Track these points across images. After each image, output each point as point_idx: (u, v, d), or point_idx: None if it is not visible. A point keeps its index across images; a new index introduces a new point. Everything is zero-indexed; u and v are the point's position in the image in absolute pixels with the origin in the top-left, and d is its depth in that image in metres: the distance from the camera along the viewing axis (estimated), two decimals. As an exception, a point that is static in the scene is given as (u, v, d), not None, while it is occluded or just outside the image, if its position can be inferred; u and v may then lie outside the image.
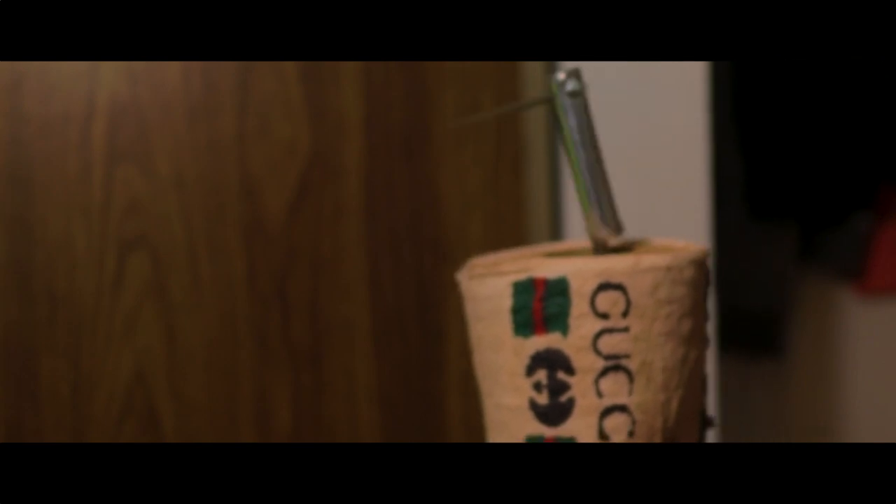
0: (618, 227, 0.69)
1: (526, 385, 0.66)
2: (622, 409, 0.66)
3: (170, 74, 1.18)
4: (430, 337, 1.23)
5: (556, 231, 1.25)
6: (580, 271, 0.65)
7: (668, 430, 0.67)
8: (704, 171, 1.24)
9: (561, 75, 0.68)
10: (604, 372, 0.65)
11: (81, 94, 1.16)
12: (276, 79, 1.19)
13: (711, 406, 1.25)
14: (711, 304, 1.34)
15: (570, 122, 0.69)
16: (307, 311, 1.21)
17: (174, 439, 1.20)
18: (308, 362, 1.21)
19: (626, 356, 0.66)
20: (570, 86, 0.68)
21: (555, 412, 0.66)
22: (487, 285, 0.67)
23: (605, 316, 0.65)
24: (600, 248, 0.70)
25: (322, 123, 1.20)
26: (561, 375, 0.65)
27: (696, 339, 0.68)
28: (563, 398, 0.66)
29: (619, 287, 0.65)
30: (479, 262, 0.68)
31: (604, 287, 0.65)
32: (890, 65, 1.77)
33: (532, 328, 0.66)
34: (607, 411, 0.66)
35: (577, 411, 0.66)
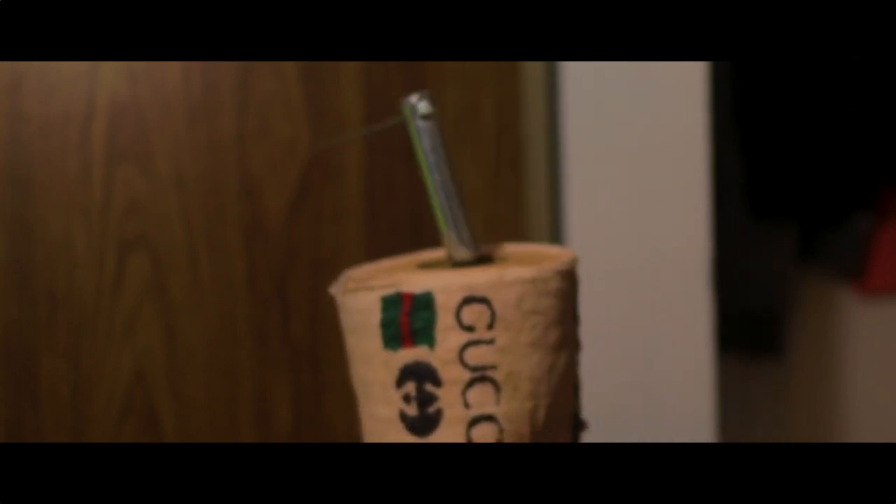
0: (473, 246, 0.71)
1: (396, 397, 0.68)
2: (489, 418, 0.67)
3: (170, 74, 1.18)
4: (430, 337, 1.23)
5: (556, 231, 1.25)
6: (445, 286, 0.66)
7: (537, 435, 0.68)
8: (704, 171, 1.24)
9: (413, 98, 0.70)
10: (470, 383, 0.67)
11: (81, 94, 1.16)
12: (276, 79, 1.19)
13: (711, 406, 1.25)
14: (711, 305, 1.34)
15: (424, 144, 0.70)
16: (307, 311, 1.21)
17: (174, 439, 1.20)
18: (308, 362, 1.21)
19: (493, 367, 0.67)
20: (423, 109, 0.70)
21: (423, 423, 0.67)
22: (358, 299, 0.68)
23: (470, 328, 0.67)
24: (461, 263, 0.71)
25: (322, 123, 1.20)
26: (429, 387, 0.67)
27: (564, 347, 0.69)
28: (432, 409, 0.67)
29: (483, 300, 0.67)
30: (353, 276, 0.70)
31: (468, 300, 0.66)
32: (890, 65, 1.77)
33: (400, 341, 0.67)
34: (474, 421, 0.67)
35: (444, 422, 0.67)
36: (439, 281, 0.66)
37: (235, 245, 1.20)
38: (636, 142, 1.23)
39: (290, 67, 1.19)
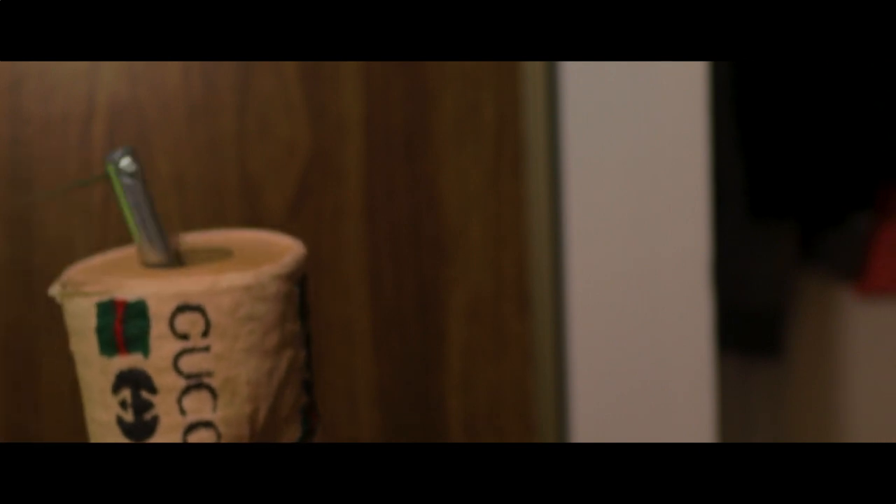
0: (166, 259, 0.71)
1: (113, 402, 0.68)
2: (207, 424, 0.67)
3: (170, 74, 1.18)
4: (430, 337, 1.23)
5: (556, 231, 1.25)
6: (158, 294, 0.66)
7: (259, 436, 0.69)
8: (704, 171, 1.24)
9: (116, 156, 0.70)
10: (186, 390, 0.67)
11: (81, 94, 1.16)
12: (276, 79, 1.19)
13: (711, 406, 1.25)
14: (711, 305, 1.34)
15: (128, 199, 0.70)
16: (307, 311, 1.21)
17: (174, 439, 1.20)
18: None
19: (209, 374, 0.67)
20: (126, 166, 0.70)
21: (140, 429, 0.68)
22: (75, 304, 0.68)
23: (185, 336, 0.66)
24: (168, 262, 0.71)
25: (322, 123, 1.20)
26: (145, 394, 0.67)
27: (286, 348, 0.69)
28: (148, 416, 0.67)
29: (197, 308, 0.66)
30: (72, 277, 0.70)
31: (182, 309, 0.66)
32: (890, 65, 1.77)
33: (115, 348, 0.67)
34: (191, 427, 0.67)
35: (161, 429, 0.67)
36: (152, 288, 0.66)
37: (235, 245, 1.20)
38: (636, 142, 1.23)
39: (290, 67, 1.19)
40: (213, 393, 0.67)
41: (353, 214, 1.21)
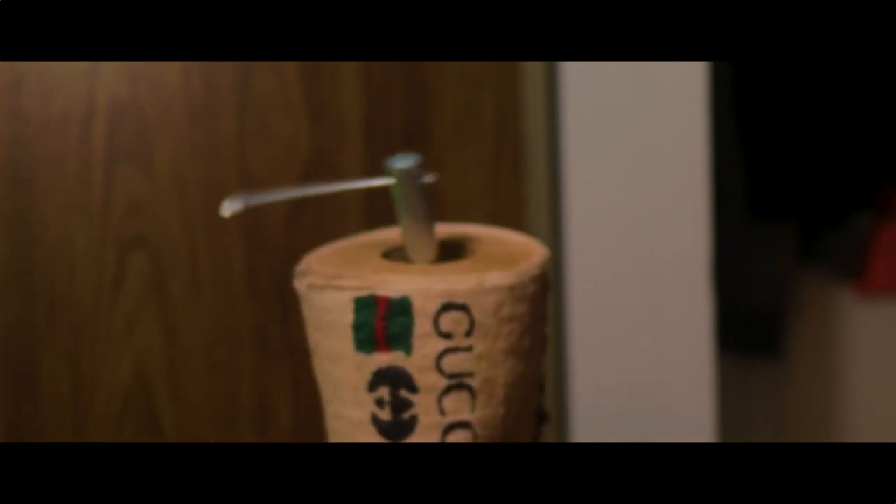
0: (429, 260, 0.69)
1: (368, 400, 0.66)
2: (465, 425, 0.66)
3: (170, 74, 1.18)
4: (430, 337, 1.23)
5: (556, 231, 1.25)
6: (423, 291, 0.64)
7: (506, 437, 0.68)
8: (704, 171, 1.24)
9: (402, 165, 0.68)
10: (447, 390, 0.65)
11: (81, 94, 1.16)
12: (276, 79, 1.19)
13: (711, 406, 1.25)
14: (711, 305, 1.34)
15: (407, 201, 0.68)
16: (307, 311, 1.21)
17: (174, 439, 1.20)
18: (308, 362, 1.21)
19: (470, 374, 0.66)
20: (409, 173, 0.68)
21: (398, 428, 0.66)
22: (326, 298, 0.66)
23: (448, 336, 0.65)
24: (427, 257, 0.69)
25: (322, 123, 1.20)
26: (404, 393, 0.65)
27: (535, 351, 0.68)
28: (406, 415, 0.66)
29: (462, 307, 0.65)
30: (317, 269, 0.67)
31: (447, 307, 0.65)
32: (890, 65, 1.77)
33: (374, 345, 0.65)
34: (450, 428, 0.66)
35: (419, 428, 0.66)
36: (417, 285, 0.64)
37: (235, 245, 1.20)
38: (636, 142, 1.23)
39: (290, 67, 1.19)
40: (473, 393, 0.65)
41: (353, 214, 1.21)
